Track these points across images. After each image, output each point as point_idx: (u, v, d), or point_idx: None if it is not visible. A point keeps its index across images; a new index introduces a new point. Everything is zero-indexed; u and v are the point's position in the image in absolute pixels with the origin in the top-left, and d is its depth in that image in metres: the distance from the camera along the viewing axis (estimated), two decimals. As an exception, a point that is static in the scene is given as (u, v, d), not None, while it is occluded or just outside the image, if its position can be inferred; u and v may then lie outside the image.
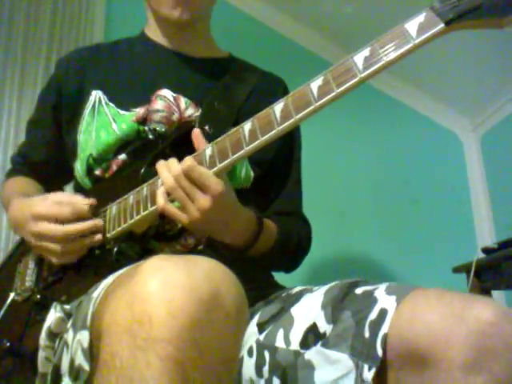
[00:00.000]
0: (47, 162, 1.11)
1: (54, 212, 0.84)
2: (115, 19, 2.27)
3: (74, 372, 0.59)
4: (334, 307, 0.72)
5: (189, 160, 0.76)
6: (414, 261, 2.28)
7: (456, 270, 1.92)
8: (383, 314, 0.65)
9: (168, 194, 0.77)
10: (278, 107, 0.74)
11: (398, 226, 2.35)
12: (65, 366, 0.62)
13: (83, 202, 0.86)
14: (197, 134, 0.81)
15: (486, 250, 1.81)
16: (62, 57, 1.15)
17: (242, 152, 0.75)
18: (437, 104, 2.59)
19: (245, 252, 0.87)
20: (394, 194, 2.39)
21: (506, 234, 1.87)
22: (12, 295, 0.91)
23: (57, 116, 1.06)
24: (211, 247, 0.89)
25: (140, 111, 0.96)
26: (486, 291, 1.84)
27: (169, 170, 0.77)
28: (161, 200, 0.77)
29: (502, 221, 2.36)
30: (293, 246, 0.99)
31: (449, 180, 2.49)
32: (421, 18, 0.68)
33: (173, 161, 0.78)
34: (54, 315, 0.66)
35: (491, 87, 2.35)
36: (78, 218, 0.85)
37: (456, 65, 2.19)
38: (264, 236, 0.89)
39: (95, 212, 0.88)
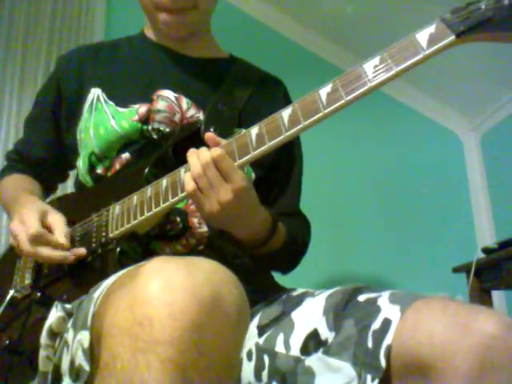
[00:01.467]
0: (44, 160, 1.10)
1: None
2: (115, 19, 2.28)
3: (75, 372, 0.59)
4: (336, 314, 0.72)
5: (219, 149, 0.75)
6: (414, 261, 2.29)
7: (456, 270, 1.92)
8: (387, 323, 0.65)
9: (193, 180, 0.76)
10: (286, 113, 0.74)
11: (398, 225, 2.35)
12: (65, 365, 0.61)
13: (59, 238, 0.84)
14: (210, 137, 0.80)
15: (486, 250, 1.82)
16: (63, 54, 1.14)
17: (248, 156, 0.75)
18: (437, 104, 2.59)
19: (255, 250, 0.87)
20: (393, 194, 2.40)
21: (506, 234, 1.87)
22: (11, 292, 0.90)
23: (56, 113, 1.06)
24: (211, 248, 0.89)
25: (142, 110, 0.95)
26: (486, 291, 1.84)
27: (198, 156, 0.77)
28: (192, 184, 0.76)
29: (502, 221, 2.37)
30: (298, 248, 0.99)
31: (449, 180, 2.49)
32: (431, 28, 0.67)
33: (203, 149, 0.77)
34: (55, 314, 0.65)
35: (491, 87, 2.35)
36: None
37: (456, 65, 2.19)
38: (275, 236, 0.89)
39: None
